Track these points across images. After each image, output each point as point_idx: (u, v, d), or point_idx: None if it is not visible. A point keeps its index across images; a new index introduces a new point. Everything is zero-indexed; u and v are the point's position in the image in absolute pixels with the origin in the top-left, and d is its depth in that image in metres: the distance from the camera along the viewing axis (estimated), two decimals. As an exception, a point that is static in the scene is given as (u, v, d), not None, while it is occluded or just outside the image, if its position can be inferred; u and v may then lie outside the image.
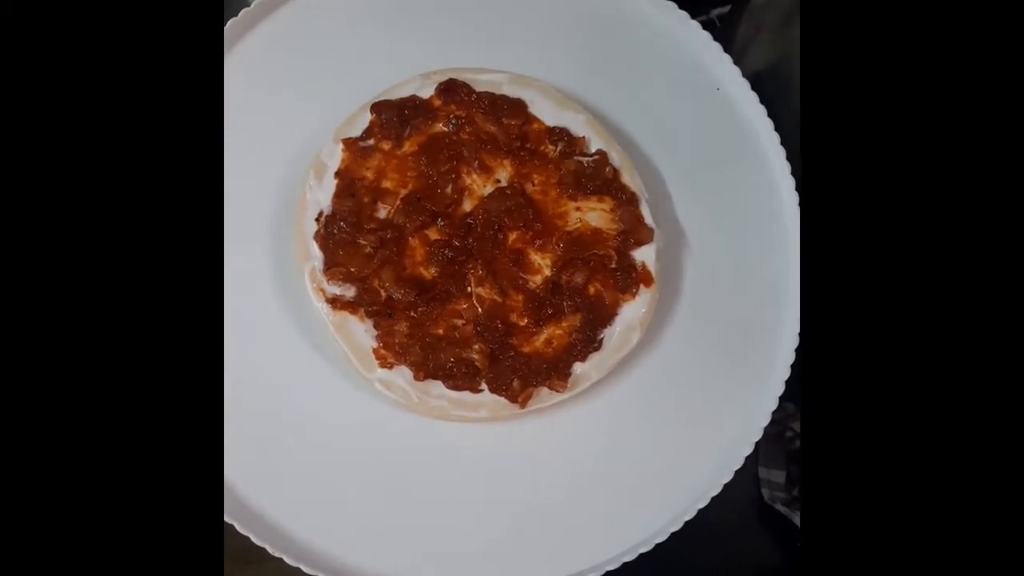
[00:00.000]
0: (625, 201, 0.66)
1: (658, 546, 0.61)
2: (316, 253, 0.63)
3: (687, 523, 0.62)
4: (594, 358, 0.63)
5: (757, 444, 0.64)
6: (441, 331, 0.62)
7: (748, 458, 0.64)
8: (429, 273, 0.63)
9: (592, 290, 0.64)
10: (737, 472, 0.63)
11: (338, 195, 0.64)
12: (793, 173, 0.70)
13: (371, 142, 0.65)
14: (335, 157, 0.65)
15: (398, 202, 0.64)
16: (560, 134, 0.66)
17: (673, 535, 0.62)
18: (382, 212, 0.64)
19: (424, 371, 0.61)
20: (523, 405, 0.62)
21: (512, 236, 0.65)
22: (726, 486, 0.63)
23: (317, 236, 0.63)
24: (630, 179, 0.67)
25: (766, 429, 0.65)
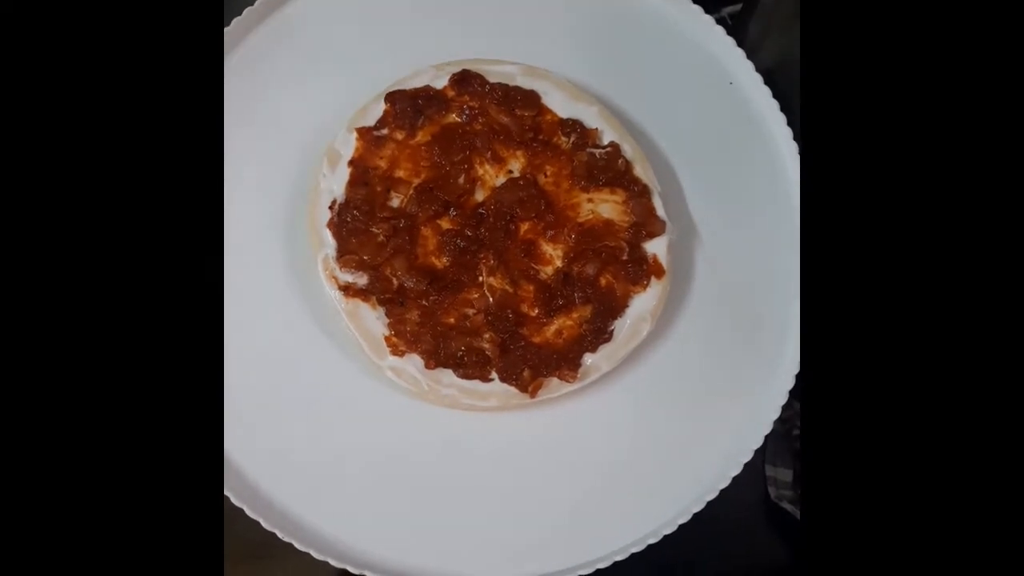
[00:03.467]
0: (637, 193, 0.66)
1: (665, 540, 0.61)
2: (329, 241, 0.63)
3: (694, 519, 0.62)
4: (604, 349, 0.63)
5: (764, 441, 0.64)
6: (452, 320, 0.62)
7: (755, 455, 0.64)
8: (441, 262, 0.63)
9: (603, 281, 0.64)
10: (744, 469, 0.63)
11: (352, 184, 0.64)
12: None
13: (385, 132, 0.65)
14: (349, 146, 0.65)
15: (411, 191, 0.64)
16: (573, 126, 0.67)
17: (680, 531, 0.62)
18: (395, 201, 0.64)
19: (435, 359, 0.61)
20: (533, 395, 0.62)
21: (524, 227, 0.65)
22: (733, 483, 0.63)
23: (330, 224, 0.63)
24: (642, 171, 0.67)
25: (773, 427, 0.65)
